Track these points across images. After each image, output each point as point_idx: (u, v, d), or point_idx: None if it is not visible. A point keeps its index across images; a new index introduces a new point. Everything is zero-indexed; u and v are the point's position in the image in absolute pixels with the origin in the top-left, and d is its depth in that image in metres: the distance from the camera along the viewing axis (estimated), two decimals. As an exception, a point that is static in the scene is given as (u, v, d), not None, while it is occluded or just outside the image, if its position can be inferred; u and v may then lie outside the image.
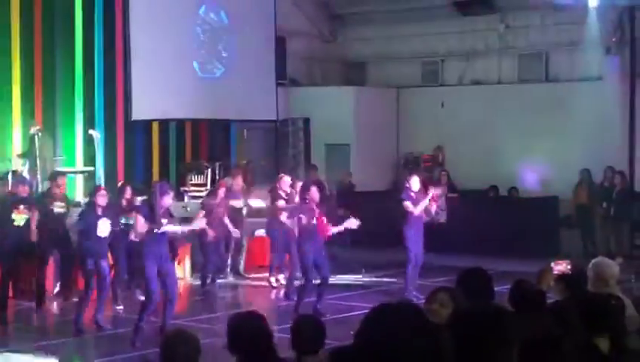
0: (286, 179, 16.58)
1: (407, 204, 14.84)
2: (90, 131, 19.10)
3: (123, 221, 14.19)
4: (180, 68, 21.31)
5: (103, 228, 13.02)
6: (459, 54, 24.12)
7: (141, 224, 12.04)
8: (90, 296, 13.03)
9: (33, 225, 14.05)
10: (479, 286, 5.83)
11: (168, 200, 12.22)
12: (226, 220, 16.19)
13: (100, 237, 12.98)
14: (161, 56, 20.77)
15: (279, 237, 16.07)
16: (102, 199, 13.13)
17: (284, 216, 15.58)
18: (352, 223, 13.97)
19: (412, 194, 14.99)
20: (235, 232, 16.10)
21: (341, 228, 14.12)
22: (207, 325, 12.88)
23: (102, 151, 19.47)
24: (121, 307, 14.36)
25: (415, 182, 15.05)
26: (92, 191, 13.90)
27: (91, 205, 13.27)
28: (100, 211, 13.07)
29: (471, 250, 18.54)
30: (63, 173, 15.79)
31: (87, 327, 12.91)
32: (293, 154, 24.28)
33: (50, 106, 19.39)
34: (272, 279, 16.68)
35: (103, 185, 17.43)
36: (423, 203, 14.97)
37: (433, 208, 15.76)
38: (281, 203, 16.13)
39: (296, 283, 14.94)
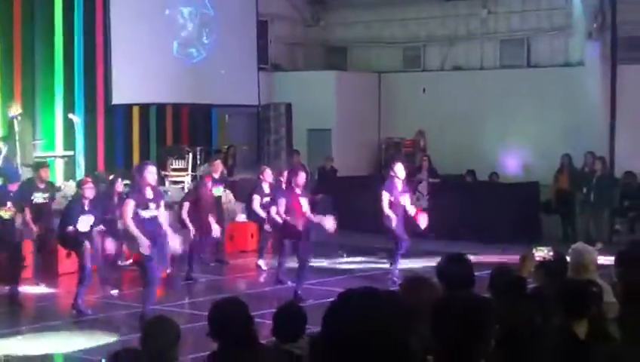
0: (268, 171, 16.54)
1: (385, 207, 14.72)
2: (70, 115, 19.01)
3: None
4: (160, 52, 21.23)
5: (85, 223, 12.96)
6: (441, 39, 24.12)
7: (130, 211, 11.87)
8: (87, 277, 12.93)
9: (18, 221, 14.00)
10: (460, 274, 5.83)
11: (151, 177, 12.00)
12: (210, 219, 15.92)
13: (79, 231, 12.92)
14: (142, 40, 20.68)
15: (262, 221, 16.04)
16: (89, 191, 13.04)
17: (257, 206, 15.87)
18: (329, 223, 13.89)
19: (397, 182, 14.88)
20: (216, 230, 15.91)
21: (316, 220, 14.03)
22: (188, 310, 12.86)
23: (82, 136, 19.41)
24: (116, 291, 14.20)
25: (400, 170, 14.97)
26: (78, 183, 13.85)
27: (78, 198, 13.18)
28: (86, 205, 13.00)
29: (452, 235, 18.59)
30: (46, 164, 15.61)
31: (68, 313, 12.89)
32: (275, 140, 24.22)
33: (29, 90, 19.28)
34: (261, 262, 16.60)
35: (83, 169, 17.36)
36: (404, 202, 14.94)
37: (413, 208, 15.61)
38: (256, 200, 16.21)
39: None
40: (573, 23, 21.68)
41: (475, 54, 23.66)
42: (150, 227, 11.70)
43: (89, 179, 13.76)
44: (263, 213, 15.86)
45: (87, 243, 12.92)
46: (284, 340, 5.80)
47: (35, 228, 14.06)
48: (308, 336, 5.72)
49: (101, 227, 13.78)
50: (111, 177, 16.06)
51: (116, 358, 4.84)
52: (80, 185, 13.39)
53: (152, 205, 11.77)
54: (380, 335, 2.94)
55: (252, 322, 5.56)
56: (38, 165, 15.14)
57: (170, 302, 13.41)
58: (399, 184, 14.92)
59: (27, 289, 14.36)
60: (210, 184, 16.13)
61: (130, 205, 11.64)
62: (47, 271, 15.15)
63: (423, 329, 4.32)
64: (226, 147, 22.50)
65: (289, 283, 14.22)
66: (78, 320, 12.71)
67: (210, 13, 22.39)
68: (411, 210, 15.00)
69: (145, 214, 11.67)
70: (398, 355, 2.99)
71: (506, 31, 23.17)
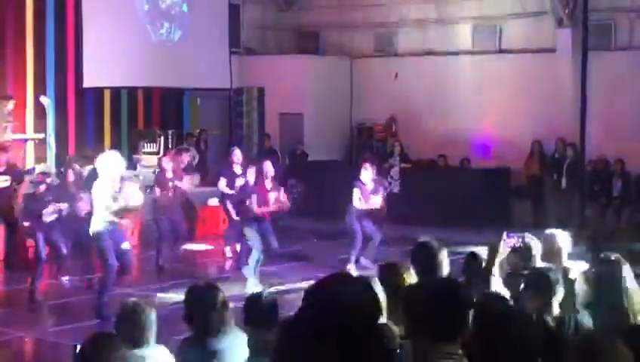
0: (237, 152, 16.50)
1: (355, 199, 14.94)
2: (41, 98, 18.87)
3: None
4: (132, 35, 21.10)
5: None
6: (413, 24, 24.11)
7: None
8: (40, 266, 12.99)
9: None
10: (433, 260, 5.88)
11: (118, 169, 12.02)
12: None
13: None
14: (113, 23, 20.55)
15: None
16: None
17: (223, 185, 15.95)
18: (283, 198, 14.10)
19: (362, 187, 15.10)
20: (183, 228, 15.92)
21: (273, 208, 14.16)
22: (162, 294, 12.86)
23: (52, 119, 19.28)
24: (67, 278, 14.14)
25: (365, 175, 15.14)
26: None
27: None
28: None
29: (424, 221, 18.62)
30: (5, 148, 15.52)
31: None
32: (247, 123, 24.20)
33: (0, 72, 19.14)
34: (227, 249, 16.67)
35: (53, 152, 17.29)
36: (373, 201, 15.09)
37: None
38: (222, 182, 16.19)
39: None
40: (545, 9, 21.75)
41: (448, 39, 23.67)
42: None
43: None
44: (228, 191, 15.89)
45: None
46: (257, 329, 5.76)
47: None
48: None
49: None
50: (62, 169, 16.05)
51: (94, 342, 4.82)
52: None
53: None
54: (352, 318, 2.96)
55: (227, 306, 5.57)
56: None
57: (141, 286, 13.42)
58: (369, 185, 15.09)
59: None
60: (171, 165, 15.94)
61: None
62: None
63: (399, 313, 4.35)
64: (197, 131, 22.45)
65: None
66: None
67: (183, -4, 22.28)
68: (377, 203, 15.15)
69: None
70: (371, 338, 3.00)
71: (478, 16, 23.20)
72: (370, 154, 21.25)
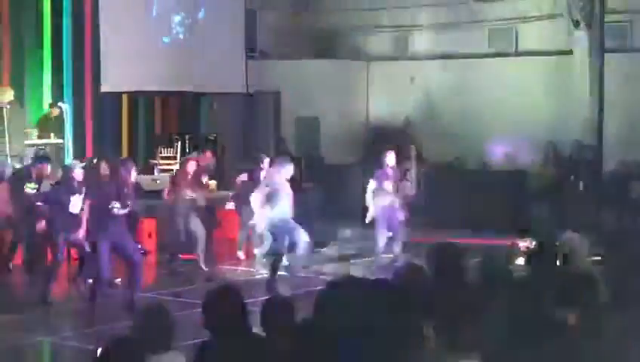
0: (267, 160, 16.38)
1: (369, 195, 14.90)
2: (59, 104, 18.98)
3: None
4: (149, 41, 21.17)
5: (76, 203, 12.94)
6: (429, 27, 24.11)
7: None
8: (57, 268, 13.01)
9: None
10: (450, 263, 5.89)
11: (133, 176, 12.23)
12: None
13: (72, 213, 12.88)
14: (131, 28, 20.64)
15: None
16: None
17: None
18: None
19: (387, 170, 15.07)
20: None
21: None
22: (180, 299, 12.88)
23: (71, 124, 19.38)
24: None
25: (391, 158, 15.15)
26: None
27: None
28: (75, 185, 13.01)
29: (440, 223, 18.63)
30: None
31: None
32: (263, 128, 24.24)
33: (18, 79, 19.24)
34: (240, 253, 16.67)
35: (71, 157, 17.40)
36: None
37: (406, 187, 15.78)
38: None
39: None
40: (561, 11, 21.71)
41: (464, 42, 23.65)
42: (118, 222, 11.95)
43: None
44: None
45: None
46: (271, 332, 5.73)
47: None
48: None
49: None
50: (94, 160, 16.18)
51: (116, 347, 4.84)
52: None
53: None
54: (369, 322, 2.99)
55: (246, 310, 5.58)
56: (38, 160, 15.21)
57: (158, 289, 13.46)
58: (389, 172, 15.06)
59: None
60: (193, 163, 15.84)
61: None
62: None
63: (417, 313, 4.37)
64: (214, 135, 22.51)
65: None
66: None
67: (199, 1, 22.34)
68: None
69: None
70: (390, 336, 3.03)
71: (494, 19, 23.18)
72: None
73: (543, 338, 4.99)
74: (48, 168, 14.63)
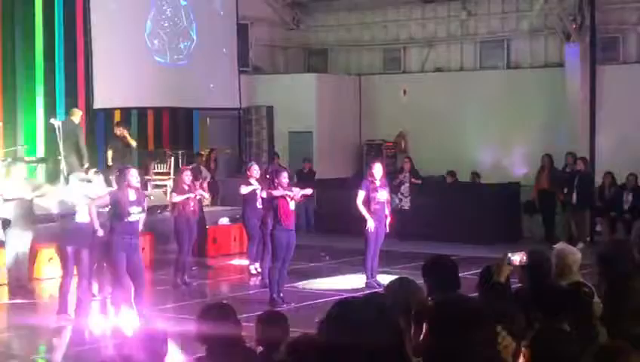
0: (255, 167, 16.35)
1: (360, 206, 14.76)
2: (52, 120, 18.98)
3: None
4: (142, 56, 21.20)
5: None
6: (421, 41, 24.21)
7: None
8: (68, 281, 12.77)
9: None
10: (445, 276, 5.89)
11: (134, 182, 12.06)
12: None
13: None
14: (123, 44, 20.66)
15: (255, 226, 15.84)
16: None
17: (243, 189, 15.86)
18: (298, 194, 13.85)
19: (373, 181, 14.80)
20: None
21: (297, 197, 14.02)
22: (177, 315, 12.83)
23: (63, 140, 19.33)
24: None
25: (378, 170, 14.91)
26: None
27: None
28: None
29: (434, 236, 18.67)
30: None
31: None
32: (257, 142, 24.29)
33: (10, 94, 19.25)
34: (252, 267, 16.40)
35: (66, 173, 17.34)
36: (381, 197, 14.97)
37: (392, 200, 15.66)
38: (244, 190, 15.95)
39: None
40: (552, 24, 21.80)
41: (455, 56, 23.76)
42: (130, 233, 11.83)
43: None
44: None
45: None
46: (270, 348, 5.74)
47: None
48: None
49: None
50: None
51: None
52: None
53: (134, 209, 11.82)
54: (373, 343, 2.99)
55: (239, 326, 5.60)
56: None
57: (157, 306, 13.41)
58: (375, 184, 14.82)
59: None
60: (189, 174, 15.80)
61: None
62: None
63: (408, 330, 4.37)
64: (208, 150, 22.49)
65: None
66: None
67: (191, 16, 22.39)
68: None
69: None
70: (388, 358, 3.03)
71: (486, 32, 23.29)
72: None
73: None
74: None
